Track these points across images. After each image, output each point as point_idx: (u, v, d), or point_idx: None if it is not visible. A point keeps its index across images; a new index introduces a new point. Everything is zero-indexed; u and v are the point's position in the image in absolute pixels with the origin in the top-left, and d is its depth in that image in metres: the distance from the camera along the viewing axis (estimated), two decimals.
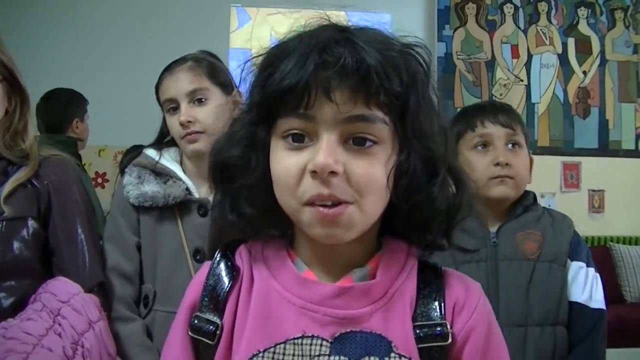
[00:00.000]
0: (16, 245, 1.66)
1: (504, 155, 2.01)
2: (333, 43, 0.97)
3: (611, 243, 6.07)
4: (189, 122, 1.93)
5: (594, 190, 6.43)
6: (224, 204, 1.08)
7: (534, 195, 2.13)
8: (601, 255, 5.74)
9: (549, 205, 6.34)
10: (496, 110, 2.08)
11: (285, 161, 0.99)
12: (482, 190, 2.02)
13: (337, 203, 0.96)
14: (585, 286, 1.98)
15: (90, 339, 1.55)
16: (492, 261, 2.01)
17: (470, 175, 1.94)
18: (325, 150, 0.95)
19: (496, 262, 2.01)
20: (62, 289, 1.62)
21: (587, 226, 6.32)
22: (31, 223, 1.70)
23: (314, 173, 0.95)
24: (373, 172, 0.98)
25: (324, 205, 0.96)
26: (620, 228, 6.34)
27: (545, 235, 2.01)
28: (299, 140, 0.98)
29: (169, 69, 2.02)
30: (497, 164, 2.00)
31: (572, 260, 2.01)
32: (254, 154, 1.04)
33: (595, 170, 6.45)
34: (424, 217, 1.04)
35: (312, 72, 0.94)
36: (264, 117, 1.03)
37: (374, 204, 1.00)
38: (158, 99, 2.06)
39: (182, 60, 2.03)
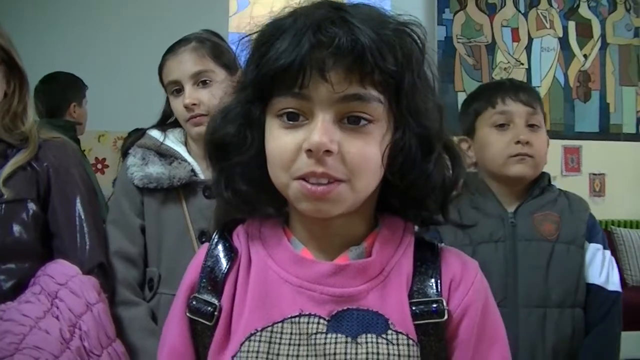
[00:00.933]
0: (16, 227, 1.67)
1: (525, 134, 2.00)
2: (328, 22, 0.96)
3: (612, 227, 6.08)
4: (194, 104, 1.91)
5: (594, 174, 6.44)
6: (220, 181, 1.09)
7: (549, 176, 2.13)
8: None
9: None
10: (517, 88, 2.07)
11: (281, 139, 0.99)
12: (500, 168, 2.04)
13: (331, 181, 0.96)
14: (603, 268, 1.99)
15: (88, 321, 1.56)
16: (510, 241, 2.00)
17: (486, 152, 1.96)
18: (321, 129, 0.95)
19: (514, 242, 2.00)
20: (60, 272, 1.62)
21: None
22: (30, 205, 1.71)
23: (309, 152, 0.95)
24: (368, 152, 0.98)
25: (318, 184, 0.96)
26: (621, 212, 6.34)
27: (562, 217, 2.01)
28: (294, 119, 0.99)
29: (172, 50, 2.00)
30: (518, 142, 1.99)
31: (589, 242, 2.01)
32: (249, 132, 1.05)
33: (596, 154, 6.45)
34: (419, 194, 1.05)
35: (306, 52, 0.94)
36: (259, 96, 1.03)
37: (367, 183, 1.01)
38: (161, 81, 2.04)
39: (185, 41, 2.01)
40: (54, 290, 1.57)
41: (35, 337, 1.45)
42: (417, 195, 1.05)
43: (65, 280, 1.60)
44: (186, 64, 1.95)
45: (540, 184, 2.07)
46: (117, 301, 1.84)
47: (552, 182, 2.15)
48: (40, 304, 1.53)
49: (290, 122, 0.99)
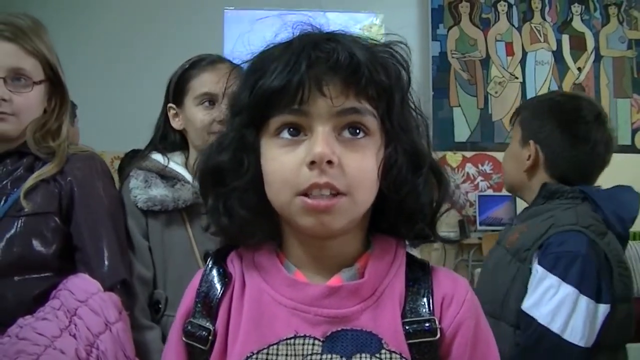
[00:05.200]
0: (35, 241, 1.69)
1: None
2: (324, 40, 1.01)
3: None
4: None
5: None
6: (217, 208, 1.10)
7: (576, 189, 2.07)
8: None
9: None
10: None
11: (280, 158, 1.02)
12: None
13: (333, 193, 0.99)
14: (534, 293, 1.86)
15: (106, 341, 1.55)
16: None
17: None
18: (322, 140, 0.98)
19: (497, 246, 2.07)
20: (81, 288, 1.62)
21: None
22: (51, 219, 1.72)
23: (312, 164, 0.97)
24: (366, 165, 1.02)
25: (321, 196, 0.98)
26: None
27: (528, 229, 1.99)
28: (295, 134, 1.01)
29: (206, 62, 2.04)
30: None
31: (538, 262, 1.90)
32: (245, 156, 1.07)
33: None
34: (410, 209, 1.07)
35: (305, 69, 0.98)
36: (254, 119, 1.05)
37: (366, 196, 1.04)
38: (181, 88, 2.05)
39: (218, 58, 2.06)
40: (73, 307, 1.57)
41: (49, 358, 1.45)
42: (408, 210, 1.07)
43: (85, 298, 1.59)
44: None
45: (542, 193, 2.07)
46: (133, 324, 1.83)
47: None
48: (58, 321, 1.53)
49: (291, 138, 1.01)
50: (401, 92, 1.06)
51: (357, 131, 1.01)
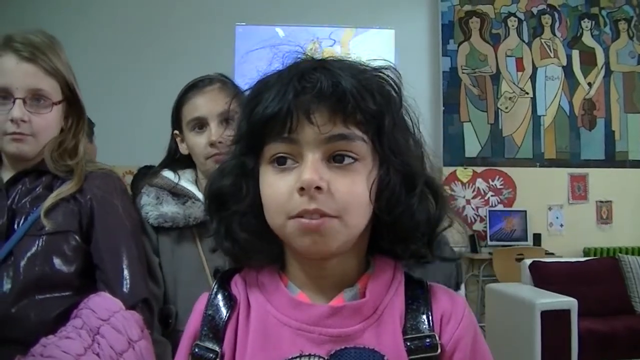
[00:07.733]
0: (56, 260, 1.67)
1: None
2: (310, 70, 1.03)
3: (620, 254, 6.04)
4: (220, 142, 1.91)
5: (601, 202, 6.44)
6: (220, 231, 1.13)
7: None
8: (610, 266, 5.73)
9: (557, 218, 6.41)
10: None
11: (275, 184, 1.04)
12: None
13: (323, 216, 1.01)
14: None
15: (130, 359, 1.54)
16: None
17: None
18: (310, 167, 1.00)
19: None
20: (102, 306, 1.60)
21: (595, 237, 6.33)
22: (72, 238, 1.70)
23: (301, 190, 0.99)
24: (355, 189, 1.03)
25: (311, 219, 1.00)
26: (628, 239, 6.34)
27: None
28: (284, 162, 1.04)
29: (197, 87, 2.01)
30: None
31: None
32: (244, 182, 1.10)
33: (603, 182, 6.47)
34: (405, 229, 1.08)
35: (292, 99, 1.01)
36: (252, 146, 1.08)
37: (357, 219, 1.05)
38: (177, 116, 2.04)
39: (208, 80, 2.02)
40: (95, 326, 1.54)
41: None
42: (403, 230, 1.09)
43: (107, 316, 1.57)
44: (215, 103, 1.95)
45: None
46: None
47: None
48: (81, 340, 1.51)
49: (281, 166, 1.04)
50: (392, 115, 1.07)
51: (345, 159, 1.03)
